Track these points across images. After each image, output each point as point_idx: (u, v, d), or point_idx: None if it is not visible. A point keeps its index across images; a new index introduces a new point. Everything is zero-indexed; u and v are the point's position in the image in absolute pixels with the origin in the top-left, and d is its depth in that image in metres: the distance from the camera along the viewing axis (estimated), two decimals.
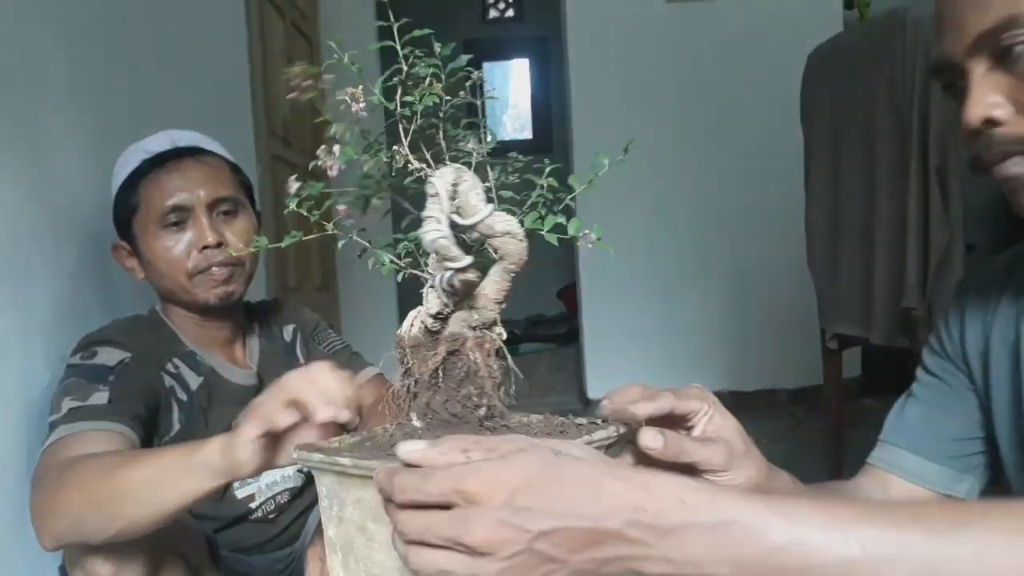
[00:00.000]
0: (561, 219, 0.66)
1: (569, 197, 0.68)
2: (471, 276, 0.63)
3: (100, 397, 1.04)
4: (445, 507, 0.49)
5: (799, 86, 2.25)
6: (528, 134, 6.17)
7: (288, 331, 1.40)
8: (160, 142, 1.23)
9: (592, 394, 3.54)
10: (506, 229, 0.63)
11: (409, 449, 0.53)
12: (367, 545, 0.66)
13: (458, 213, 0.64)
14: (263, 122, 2.50)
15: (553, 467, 0.50)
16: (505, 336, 0.69)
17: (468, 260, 0.62)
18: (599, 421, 0.71)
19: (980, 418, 0.84)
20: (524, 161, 0.70)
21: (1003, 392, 0.79)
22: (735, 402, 3.22)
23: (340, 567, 0.68)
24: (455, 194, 0.64)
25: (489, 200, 0.66)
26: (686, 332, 3.54)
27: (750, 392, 3.40)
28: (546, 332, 4.84)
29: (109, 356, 1.11)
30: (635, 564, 0.48)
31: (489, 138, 0.70)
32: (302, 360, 1.38)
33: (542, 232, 0.65)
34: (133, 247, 1.23)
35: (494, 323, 0.68)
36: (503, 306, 0.68)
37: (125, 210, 1.21)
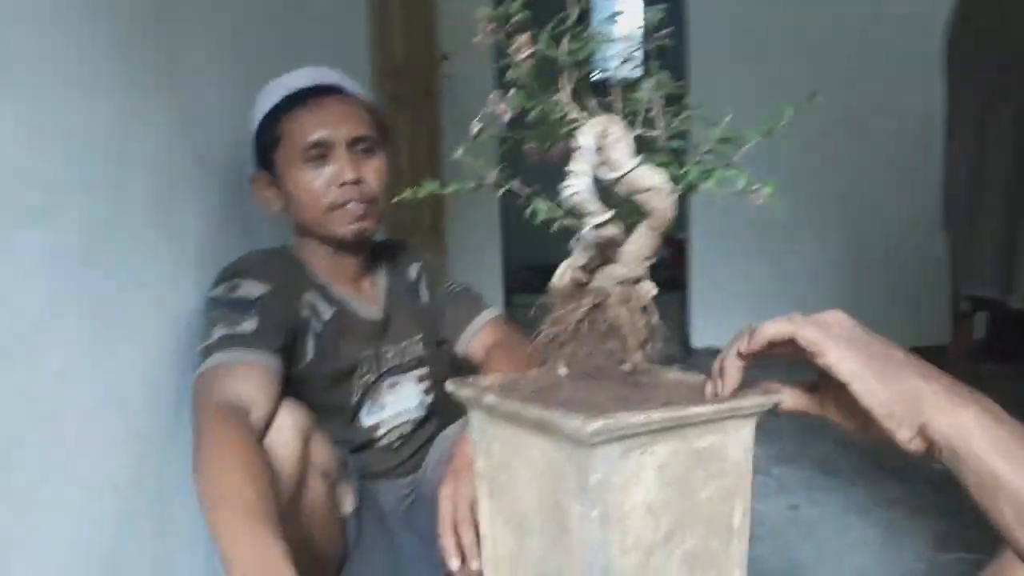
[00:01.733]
0: (732, 172, 0.64)
1: (744, 149, 0.66)
2: (611, 232, 0.63)
3: (248, 325, 1.10)
4: None
5: (940, 27, 2.10)
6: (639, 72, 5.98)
7: (413, 270, 1.44)
8: (303, 79, 1.26)
9: (696, 343, 3.50)
10: (651, 184, 0.61)
11: None
12: (510, 481, 0.67)
13: (605, 166, 0.63)
14: (379, 60, 2.52)
15: None
16: (654, 292, 0.68)
17: (606, 216, 0.62)
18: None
19: None
20: (694, 110, 0.67)
21: None
22: None
23: (487, 497, 0.70)
24: (602, 147, 0.63)
25: (639, 152, 0.64)
26: (799, 285, 3.43)
27: None
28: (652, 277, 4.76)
29: (250, 288, 1.16)
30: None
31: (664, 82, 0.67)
32: (425, 299, 1.42)
33: (706, 186, 0.63)
34: (273, 178, 1.27)
35: (641, 279, 0.67)
36: (651, 261, 0.67)
37: (267, 142, 1.25)
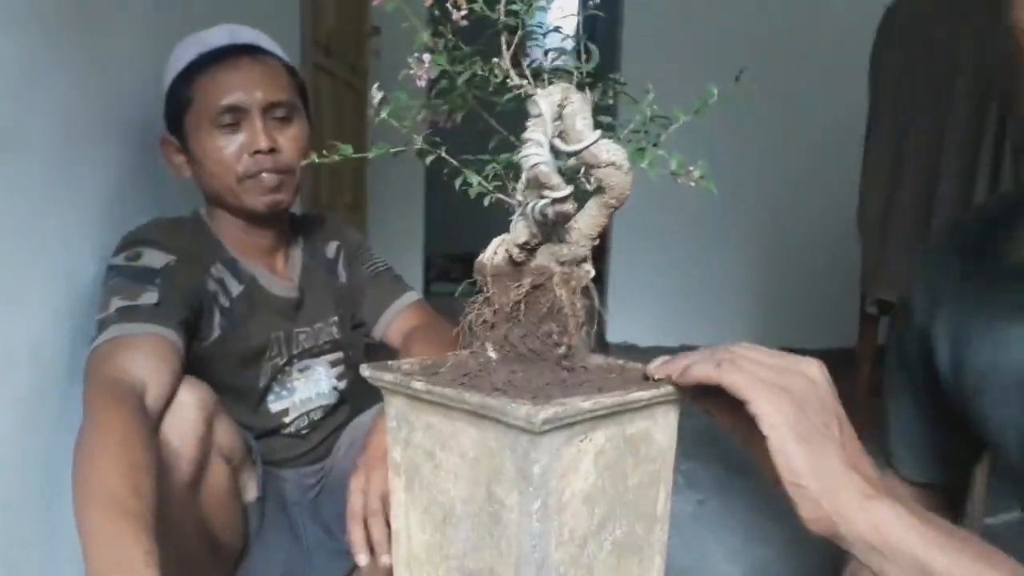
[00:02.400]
0: (663, 152, 0.62)
1: (671, 128, 0.63)
2: (569, 207, 0.59)
3: (150, 297, 1.02)
4: None
5: (869, 37, 2.15)
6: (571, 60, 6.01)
7: (331, 248, 1.38)
8: (219, 36, 1.17)
9: (611, 338, 3.53)
10: (611, 159, 0.58)
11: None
12: (433, 472, 0.63)
13: (560, 137, 0.59)
14: (309, 30, 2.42)
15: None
16: (593, 273, 0.65)
17: (568, 190, 0.58)
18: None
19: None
20: (622, 85, 0.65)
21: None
22: None
23: (402, 490, 0.66)
24: (559, 116, 0.59)
25: (598, 126, 0.61)
26: (714, 283, 3.50)
27: (771, 348, 3.37)
28: None
29: (154, 258, 1.08)
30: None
31: (592, 57, 0.65)
32: (343, 278, 1.36)
33: (641, 166, 0.60)
34: (182, 143, 1.19)
35: (584, 259, 0.64)
36: (595, 242, 0.65)
37: (178, 104, 1.16)
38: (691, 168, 0.62)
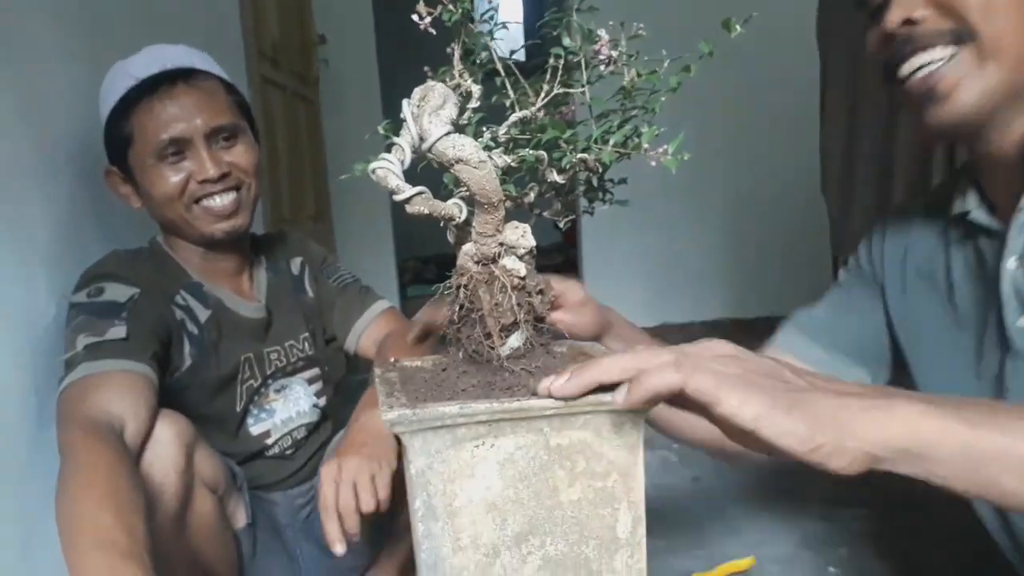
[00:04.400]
0: (645, 128, 0.60)
1: (660, 99, 0.62)
2: (418, 208, 0.59)
3: (117, 332, 1.00)
4: None
5: (815, 3, 2.16)
6: (522, 56, 5.99)
7: (296, 264, 1.35)
8: (147, 64, 1.13)
9: None
10: (457, 156, 0.57)
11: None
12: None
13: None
14: (252, 43, 2.38)
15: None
16: (522, 273, 0.64)
17: (410, 192, 0.57)
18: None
19: (883, 326, 0.96)
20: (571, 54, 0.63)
21: (919, 306, 0.91)
22: (736, 329, 3.25)
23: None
24: (416, 116, 0.58)
25: (462, 123, 0.61)
26: (688, 260, 3.51)
27: (751, 319, 3.38)
28: (543, 262, 4.79)
29: (117, 292, 1.05)
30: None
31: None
32: (311, 293, 1.34)
33: (611, 144, 0.59)
34: (129, 176, 1.16)
35: (497, 257, 0.63)
36: (503, 238, 0.63)
37: (119, 139, 1.13)
38: (664, 147, 0.61)
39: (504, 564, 0.58)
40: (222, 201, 1.14)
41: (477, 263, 0.64)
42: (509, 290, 0.63)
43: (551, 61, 0.68)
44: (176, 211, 1.13)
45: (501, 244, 0.64)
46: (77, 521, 0.76)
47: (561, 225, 0.76)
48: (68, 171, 1.25)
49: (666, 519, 1.70)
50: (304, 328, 1.30)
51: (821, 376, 0.55)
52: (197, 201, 1.13)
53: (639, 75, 0.65)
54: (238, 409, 1.20)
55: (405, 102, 0.59)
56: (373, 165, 0.58)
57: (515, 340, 0.64)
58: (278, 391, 1.25)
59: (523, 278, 0.65)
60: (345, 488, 0.90)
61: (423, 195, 0.60)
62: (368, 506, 0.88)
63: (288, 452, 1.26)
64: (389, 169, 0.58)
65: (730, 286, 3.48)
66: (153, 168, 1.11)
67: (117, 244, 1.19)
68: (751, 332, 3.43)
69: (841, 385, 0.54)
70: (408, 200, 0.59)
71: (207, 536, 1.07)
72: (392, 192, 0.58)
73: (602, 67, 0.66)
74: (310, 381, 1.29)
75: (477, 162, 0.57)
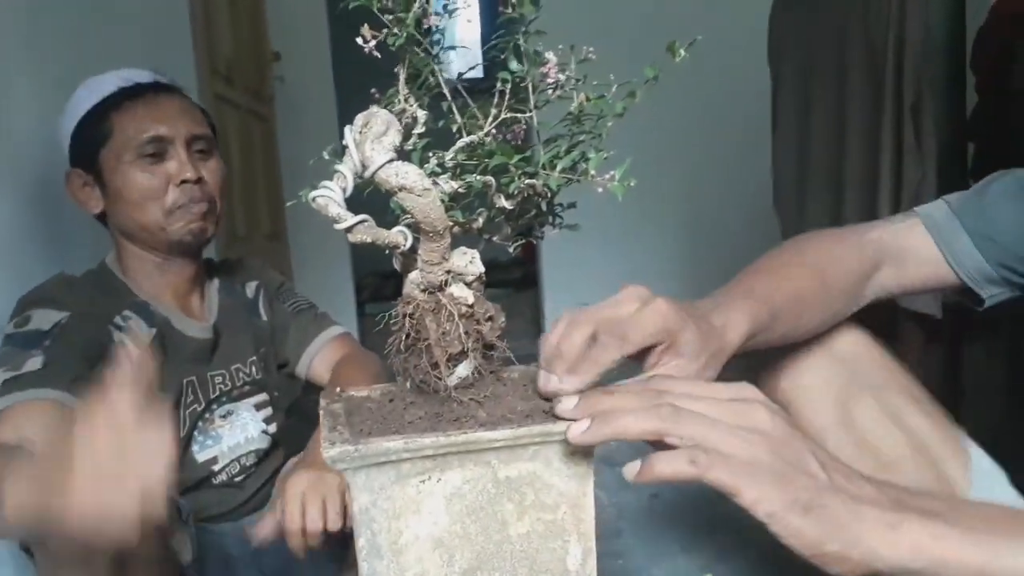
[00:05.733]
0: (592, 154, 0.60)
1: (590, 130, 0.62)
2: (360, 237, 0.58)
3: (33, 363, 0.97)
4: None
5: (765, 19, 2.19)
6: (479, 72, 6.01)
7: (251, 288, 1.34)
8: (128, 76, 1.16)
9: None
10: (400, 184, 0.56)
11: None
12: None
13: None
14: (205, 60, 2.34)
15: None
16: (469, 301, 0.63)
17: (351, 221, 0.57)
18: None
19: None
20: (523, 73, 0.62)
21: None
22: None
23: None
24: (359, 143, 0.58)
25: (408, 148, 0.60)
26: (642, 272, 3.52)
27: None
28: (501, 277, 4.79)
29: (43, 319, 1.03)
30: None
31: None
32: (264, 317, 1.31)
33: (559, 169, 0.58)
34: (98, 179, 1.15)
35: (444, 284, 0.62)
36: (449, 265, 0.62)
37: (92, 139, 1.13)
38: (612, 173, 0.61)
39: None
40: (198, 209, 1.15)
41: (423, 291, 0.63)
42: (456, 319, 0.62)
43: (498, 85, 0.67)
44: (151, 213, 1.13)
45: (448, 272, 0.63)
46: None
47: (511, 250, 0.75)
48: (11, 196, 1.22)
49: (623, 536, 1.70)
50: (253, 352, 1.27)
51: (845, 469, 0.53)
52: (175, 208, 1.14)
53: (588, 99, 0.65)
54: (182, 435, 1.16)
55: (347, 128, 0.58)
56: (313, 194, 0.57)
57: (463, 369, 0.63)
58: (224, 416, 1.22)
59: (471, 306, 0.64)
60: (312, 507, 0.88)
61: (365, 223, 0.58)
62: (334, 525, 0.86)
63: (237, 479, 1.23)
64: (329, 198, 0.57)
65: (684, 297, 3.50)
66: (130, 166, 1.12)
67: (64, 267, 1.17)
68: None
69: (862, 487, 0.52)
70: (350, 229, 0.57)
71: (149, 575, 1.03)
72: (333, 221, 0.57)
73: (550, 91, 0.66)
74: (258, 407, 1.26)
75: (421, 190, 0.56)
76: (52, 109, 1.25)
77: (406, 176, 0.56)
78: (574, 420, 0.53)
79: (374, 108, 0.59)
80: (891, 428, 0.86)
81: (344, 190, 0.58)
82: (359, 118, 0.58)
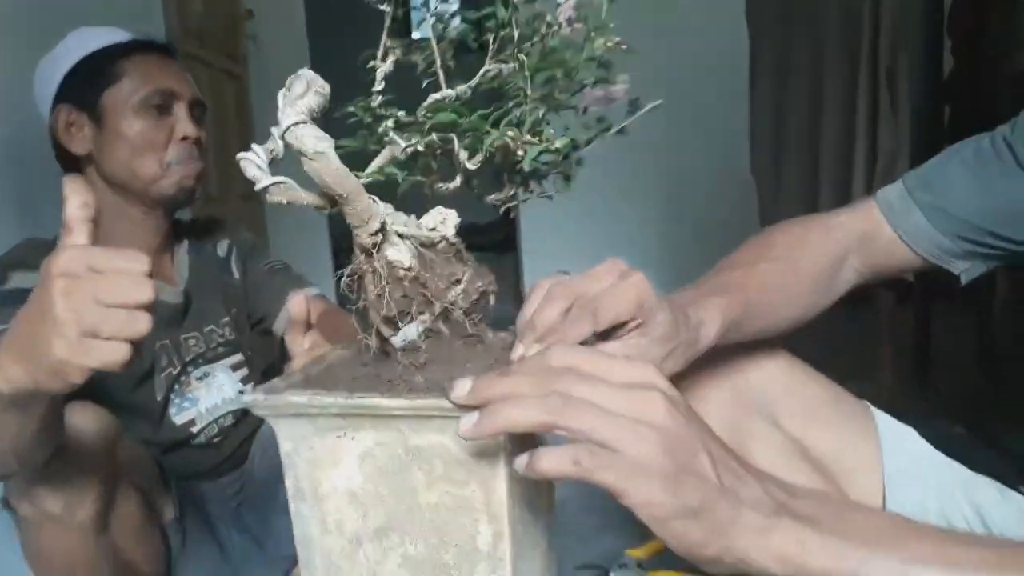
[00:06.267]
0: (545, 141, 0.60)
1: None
2: (276, 199, 0.57)
3: None
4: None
5: None
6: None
7: (223, 247, 1.33)
8: (134, 32, 1.20)
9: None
10: (298, 148, 0.56)
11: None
12: None
13: None
14: (176, 19, 2.29)
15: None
16: (405, 264, 0.62)
17: (267, 181, 0.56)
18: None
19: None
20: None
21: None
22: None
23: None
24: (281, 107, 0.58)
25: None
26: (622, 240, 3.54)
27: None
28: (482, 240, 4.76)
29: (24, 280, 1.02)
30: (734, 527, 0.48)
31: None
32: (236, 275, 1.31)
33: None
34: (92, 119, 1.13)
35: (374, 247, 0.62)
36: (374, 229, 0.61)
37: (95, 80, 1.13)
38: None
39: (367, 554, 0.58)
40: (194, 167, 1.18)
41: (362, 254, 0.63)
42: (384, 281, 0.62)
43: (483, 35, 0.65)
44: (146, 163, 1.14)
45: (375, 234, 0.62)
46: None
47: (500, 209, 0.74)
48: None
49: (572, 506, 1.67)
50: (225, 312, 1.27)
51: (735, 467, 0.50)
52: (173, 164, 1.16)
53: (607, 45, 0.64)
54: (159, 399, 1.16)
55: (280, 92, 0.57)
56: (239, 156, 0.57)
57: (410, 332, 0.62)
58: (200, 379, 1.22)
59: (408, 268, 0.63)
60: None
61: (283, 184, 0.57)
62: None
63: (215, 440, 1.23)
64: (250, 160, 0.57)
65: (664, 265, 3.52)
66: (135, 112, 1.13)
67: (31, 233, 1.15)
68: None
69: (750, 487, 0.49)
70: (266, 190, 0.57)
71: (134, 533, 1.04)
72: (252, 182, 0.57)
73: (565, 27, 0.63)
74: (234, 368, 1.26)
75: (312, 153, 0.56)
76: (18, 68, 1.21)
77: (301, 140, 0.56)
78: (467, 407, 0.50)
79: (303, 70, 0.59)
80: (790, 459, 0.86)
81: (273, 151, 0.58)
82: (289, 80, 0.58)
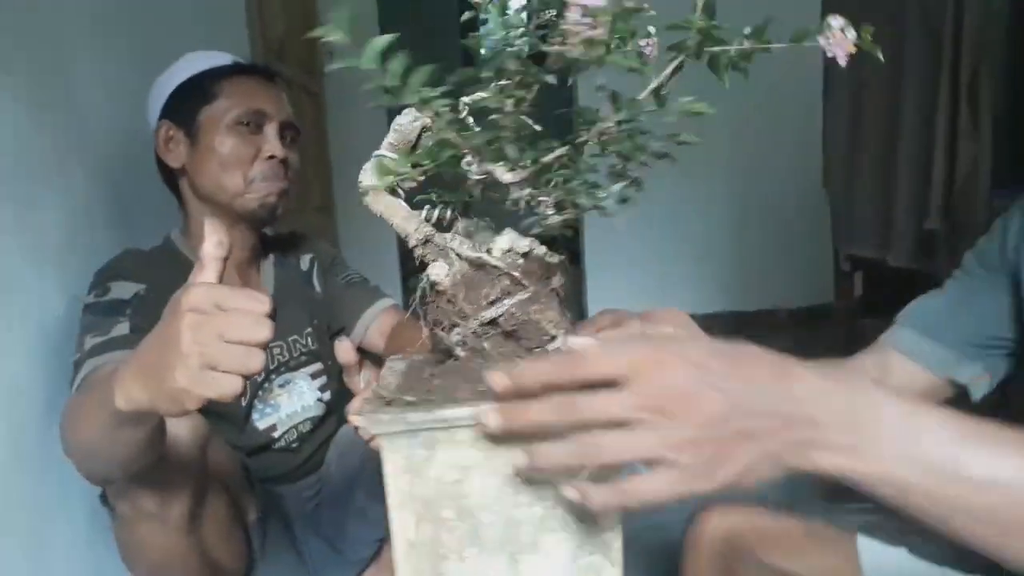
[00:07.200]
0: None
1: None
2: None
3: (121, 329, 1.01)
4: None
5: None
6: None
7: (305, 260, 1.38)
8: (237, 56, 1.27)
9: (593, 310, 3.54)
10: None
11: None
12: None
13: None
14: (258, 36, 2.38)
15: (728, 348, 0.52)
16: (439, 281, 0.66)
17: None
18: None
19: (1010, 318, 0.87)
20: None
21: None
22: (736, 322, 3.26)
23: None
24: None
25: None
26: (689, 249, 3.52)
27: (751, 312, 3.40)
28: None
29: (123, 290, 1.08)
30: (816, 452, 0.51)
31: None
32: (318, 288, 1.36)
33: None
34: (189, 134, 1.21)
35: (423, 261, 0.69)
36: (412, 244, 0.70)
37: (196, 97, 1.20)
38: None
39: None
40: (277, 186, 1.22)
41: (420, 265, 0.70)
42: (428, 294, 0.67)
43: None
44: (232, 177, 1.19)
45: (422, 247, 0.69)
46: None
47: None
48: (79, 172, 1.27)
49: None
50: (308, 323, 1.32)
51: (751, 406, 0.51)
52: (257, 181, 1.20)
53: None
54: (244, 404, 1.22)
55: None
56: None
57: (451, 341, 0.67)
58: (282, 386, 1.27)
59: (434, 284, 0.68)
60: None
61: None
62: None
63: (294, 445, 1.28)
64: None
65: (730, 275, 3.49)
66: (227, 129, 1.19)
67: (128, 243, 1.21)
68: (752, 325, 3.45)
69: (769, 418, 0.51)
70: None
71: (221, 531, 1.08)
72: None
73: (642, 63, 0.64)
74: (314, 376, 1.31)
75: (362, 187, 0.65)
76: (115, 85, 1.28)
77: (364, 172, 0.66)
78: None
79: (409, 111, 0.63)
80: None
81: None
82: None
